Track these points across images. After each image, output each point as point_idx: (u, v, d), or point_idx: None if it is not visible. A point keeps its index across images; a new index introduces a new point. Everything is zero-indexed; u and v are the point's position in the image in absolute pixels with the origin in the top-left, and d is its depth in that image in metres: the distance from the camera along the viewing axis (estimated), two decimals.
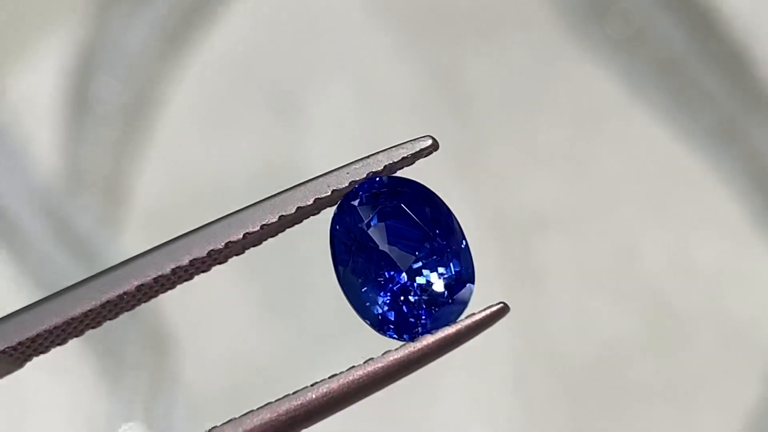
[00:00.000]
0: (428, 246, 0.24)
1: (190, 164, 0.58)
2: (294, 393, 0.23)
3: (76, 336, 0.23)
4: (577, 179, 0.58)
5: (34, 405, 0.54)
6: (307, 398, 0.23)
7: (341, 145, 0.58)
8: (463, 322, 0.24)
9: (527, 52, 0.59)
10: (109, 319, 0.23)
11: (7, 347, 0.22)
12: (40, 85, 0.58)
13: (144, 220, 0.57)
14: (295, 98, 0.59)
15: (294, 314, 0.56)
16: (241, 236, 0.23)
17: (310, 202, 0.24)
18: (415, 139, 0.24)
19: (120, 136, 0.58)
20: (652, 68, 0.58)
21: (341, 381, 0.23)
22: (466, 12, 0.60)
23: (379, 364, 0.23)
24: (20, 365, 0.23)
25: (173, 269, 0.23)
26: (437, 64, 0.59)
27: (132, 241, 0.57)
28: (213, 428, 0.23)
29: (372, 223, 0.24)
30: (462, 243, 0.24)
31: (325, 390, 0.23)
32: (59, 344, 0.23)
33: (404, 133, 0.58)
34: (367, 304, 0.24)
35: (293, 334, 0.56)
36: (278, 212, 0.23)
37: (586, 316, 0.56)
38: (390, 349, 0.24)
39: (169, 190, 0.58)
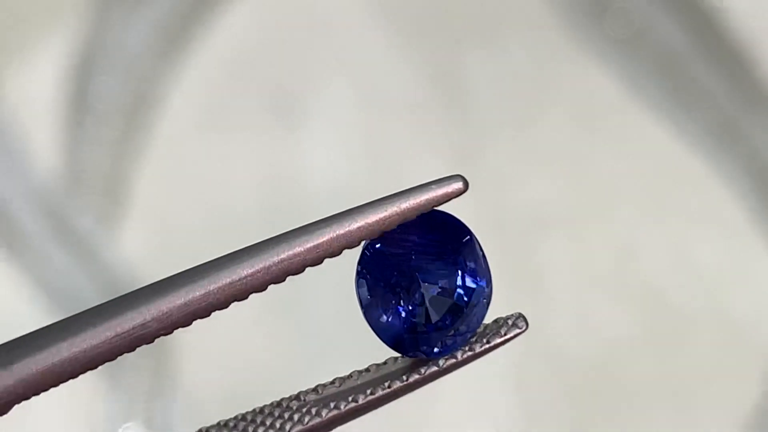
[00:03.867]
0: (448, 265, 0.24)
1: (190, 164, 0.58)
2: (332, 404, 0.24)
3: None
4: (577, 179, 0.58)
5: (33, 404, 0.54)
6: (341, 410, 0.24)
7: (341, 144, 0.58)
8: (484, 344, 0.24)
9: (527, 52, 0.59)
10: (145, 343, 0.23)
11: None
12: (40, 85, 0.58)
13: (144, 220, 0.57)
14: (295, 98, 0.59)
15: (294, 314, 0.56)
16: (265, 286, 0.23)
17: (340, 253, 0.23)
18: (446, 181, 0.24)
19: (120, 136, 0.58)
20: (652, 68, 0.58)
21: (373, 396, 0.24)
22: (466, 12, 0.60)
23: (402, 384, 0.24)
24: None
25: (192, 317, 0.23)
26: (437, 65, 0.59)
27: (132, 241, 0.57)
28: None
29: (393, 247, 0.24)
30: (482, 260, 0.24)
31: (355, 405, 0.24)
32: None
33: (405, 134, 0.58)
34: (387, 325, 0.24)
35: (293, 334, 0.56)
36: (306, 264, 0.23)
37: (586, 316, 0.56)
38: (417, 366, 0.24)
39: (169, 190, 0.58)
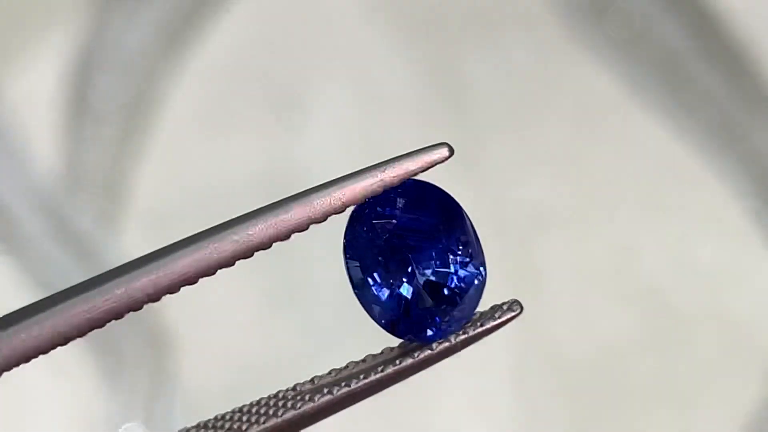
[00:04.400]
0: (441, 246, 0.24)
1: (190, 164, 0.58)
2: (326, 390, 0.24)
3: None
4: (577, 179, 0.58)
5: (34, 405, 0.54)
6: (333, 395, 0.24)
7: (341, 144, 0.58)
8: (478, 327, 0.24)
9: (527, 52, 0.59)
10: (133, 310, 0.23)
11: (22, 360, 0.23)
12: (40, 85, 0.58)
13: (144, 220, 0.57)
14: (294, 97, 0.59)
15: (294, 313, 0.56)
16: (250, 253, 0.23)
17: (323, 217, 0.23)
18: (431, 148, 0.24)
19: (120, 136, 0.58)
20: (652, 68, 0.58)
21: (366, 381, 0.24)
22: (466, 12, 0.60)
23: (395, 368, 0.24)
24: None
25: (181, 279, 0.23)
26: (437, 64, 0.59)
27: (132, 241, 0.57)
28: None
29: (384, 225, 0.24)
30: (474, 241, 0.24)
31: (348, 390, 0.24)
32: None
33: (404, 134, 0.58)
34: (380, 306, 0.24)
35: (294, 333, 0.56)
36: (291, 229, 0.23)
37: (586, 316, 0.56)
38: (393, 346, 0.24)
39: (169, 190, 0.58)
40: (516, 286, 0.56)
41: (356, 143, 0.58)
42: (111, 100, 0.58)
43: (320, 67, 0.59)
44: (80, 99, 0.58)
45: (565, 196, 0.58)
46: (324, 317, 0.55)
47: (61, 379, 0.54)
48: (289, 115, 0.58)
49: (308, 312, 0.56)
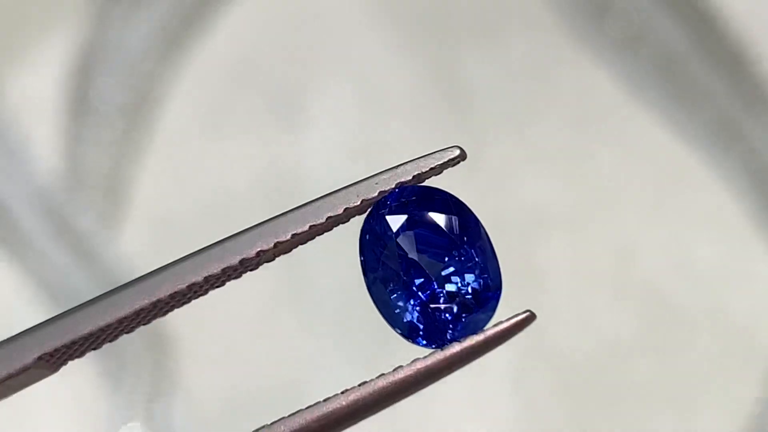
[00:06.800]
0: (457, 254, 0.24)
1: (190, 164, 0.58)
2: (324, 400, 0.24)
3: (110, 341, 0.23)
4: (577, 179, 0.58)
5: (34, 405, 0.54)
6: (337, 405, 0.24)
7: (341, 144, 0.58)
8: (491, 331, 0.24)
9: (527, 52, 0.59)
10: (143, 324, 0.24)
11: (44, 353, 0.23)
12: (40, 85, 0.58)
13: (144, 220, 0.57)
14: (295, 98, 0.59)
15: (296, 314, 0.56)
16: (272, 245, 0.24)
17: (340, 211, 0.24)
18: (443, 150, 0.24)
19: (120, 136, 0.58)
20: (652, 68, 0.59)
21: (371, 388, 0.24)
22: (467, 12, 0.60)
23: (408, 372, 0.24)
24: (56, 369, 0.24)
25: (205, 277, 0.23)
26: (437, 64, 0.59)
27: (132, 241, 0.57)
28: None
29: (401, 232, 0.24)
30: (489, 251, 0.24)
31: (355, 397, 0.24)
32: (95, 348, 0.23)
33: (405, 134, 0.58)
34: (397, 311, 0.24)
35: (295, 334, 0.56)
36: (308, 222, 0.24)
37: (586, 316, 0.56)
38: (418, 357, 0.24)
39: (169, 190, 0.58)
40: (516, 286, 0.56)
41: (357, 143, 0.58)
42: (111, 101, 0.58)
43: (321, 67, 0.59)
44: (81, 99, 0.58)
45: (565, 196, 0.58)
46: (326, 318, 0.55)
47: (63, 379, 0.54)
48: (290, 116, 0.58)
49: (309, 313, 0.56)
